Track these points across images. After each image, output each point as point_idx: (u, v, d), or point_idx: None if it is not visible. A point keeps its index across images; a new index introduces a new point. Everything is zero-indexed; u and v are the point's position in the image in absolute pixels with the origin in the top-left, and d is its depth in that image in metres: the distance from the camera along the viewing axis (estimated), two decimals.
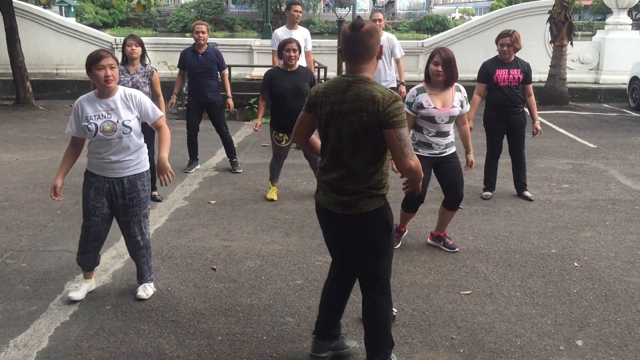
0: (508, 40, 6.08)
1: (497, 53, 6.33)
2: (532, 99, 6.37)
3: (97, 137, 3.79)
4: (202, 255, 4.89)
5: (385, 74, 7.78)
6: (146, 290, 4.15)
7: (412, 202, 4.94)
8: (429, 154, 4.75)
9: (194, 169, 7.44)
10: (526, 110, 6.42)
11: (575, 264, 4.79)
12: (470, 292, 4.29)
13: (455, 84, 4.72)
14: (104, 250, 4.65)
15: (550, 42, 13.02)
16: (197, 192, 6.65)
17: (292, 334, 3.70)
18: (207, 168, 7.60)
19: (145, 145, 4.04)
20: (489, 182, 6.51)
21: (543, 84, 13.23)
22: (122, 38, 14.21)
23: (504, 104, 6.20)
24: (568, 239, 5.32)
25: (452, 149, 4.83)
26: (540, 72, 13.94)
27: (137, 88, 5.62)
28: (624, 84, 13.49)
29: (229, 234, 5.38)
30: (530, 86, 6.34)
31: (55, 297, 4.12)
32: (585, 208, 6.17)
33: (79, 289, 4.12)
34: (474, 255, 4.95)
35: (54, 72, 14.21)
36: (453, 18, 28.77)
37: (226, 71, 7.56)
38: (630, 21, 15.17)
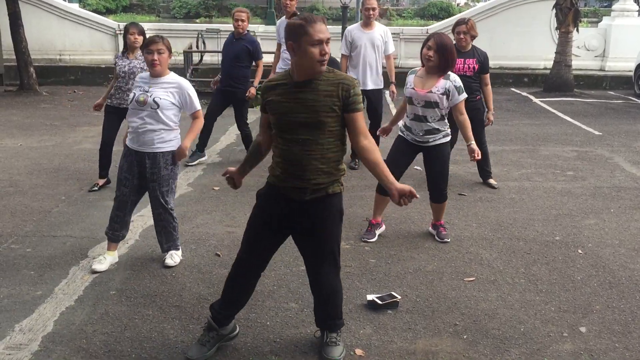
0: (464, 28, 5.99)
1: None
2: (489, 88, 6.31)
3: (132, 105, 4.26)
4: (206, 241, 4.90)
5: (377, 70, 7.01)
6: (173, 257, 4.43)
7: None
8: (411, 139, 4.81)
9: (196, 162, 7.14)
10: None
11: (580, 251, 4.79)
12: (473, 278, 4.29)
13: (449, 72, 4.66)
14: None
15: (556, 29, 12.94)
16: (201, 178, 6.65)
17: (295, 319, 3.71)
18: (210, 154, 7.60)
19: (177, 130, 4.37)
20: None
21: (548, 71, 13.16)
22: (125, 24, 14.23)
23: None
24: (572, 226, 5.31)
25: (439, 140, 4.76)
26: (545, 59, 13.90)
27: (133, 73, 5.69)
28: (629, 71, 13.41)
29: (232, 220, 5.38)
30: (487, 76, 6.25)
31: (60, 282, 4.14)
32: (589, 195, 6.15)
33: (103, 262, 4.35)
34: (477, 242, 4.95)
35: (57, 57, 14.18)
36: (458, 4, 28.52)
37: (261, 62, 7.25)
38: (637, 8, 15.03)
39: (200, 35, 13.24)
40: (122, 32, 5.99)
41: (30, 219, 5.33)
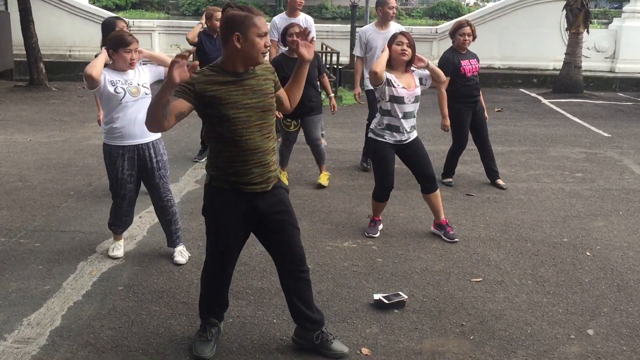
0: (469, 30, 6.09)
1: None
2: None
3: (125, 99, 4.18)
4: None
5: None
6: (183, 255, 4.47)
7: (380, 192, 4.98)
8: (394, 141, 4.79)
9: (204, 159, 7.24)
10: None
11: (588, 253, 4.77)
12: (481, 279, 4.28)
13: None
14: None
15: (566, 30, 12.88)
16: None
17: None
18: None
19: None
20: (451, 171, 6.47)
21: (558, 72, 13.11)
22: (135, 20, 14.25)
23: (472, 94, 6.17)
24: (580, 228, 5.29)
25: (415, 133, 4.89)
26: (555, 60, 13.84)
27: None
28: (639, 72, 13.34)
29: None
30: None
31: (68, 277, 4.16)
32: (598, 197, 6.13)
33: (120, 248, 4.54)
34: (485, 243, 4.94)
35: (67, 53, 14.24)
36: (467, 4, 28.45)
37: None
38: None
39: None
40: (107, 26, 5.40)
41: (39, 214, 5.36)
